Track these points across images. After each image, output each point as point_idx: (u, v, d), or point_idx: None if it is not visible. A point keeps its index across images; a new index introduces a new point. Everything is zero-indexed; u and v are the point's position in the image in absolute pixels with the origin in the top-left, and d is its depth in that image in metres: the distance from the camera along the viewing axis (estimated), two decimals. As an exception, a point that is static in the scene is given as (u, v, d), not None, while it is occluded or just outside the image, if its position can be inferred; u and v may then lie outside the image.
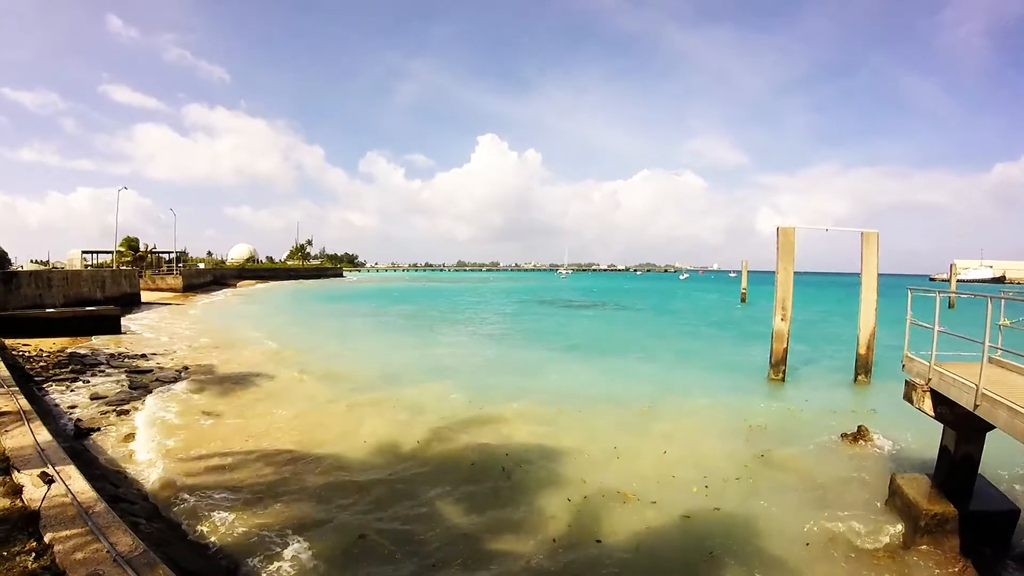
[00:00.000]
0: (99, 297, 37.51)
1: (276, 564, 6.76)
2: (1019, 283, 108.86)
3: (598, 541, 7.68)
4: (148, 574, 4.36)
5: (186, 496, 8.57)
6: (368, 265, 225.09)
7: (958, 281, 65.94)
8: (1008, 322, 7.57)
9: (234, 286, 77.13)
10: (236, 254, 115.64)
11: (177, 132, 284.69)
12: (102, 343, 23.60)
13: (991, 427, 6.66)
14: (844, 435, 12.17)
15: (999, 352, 8.03)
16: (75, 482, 6.20)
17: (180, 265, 73.49)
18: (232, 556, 6.88)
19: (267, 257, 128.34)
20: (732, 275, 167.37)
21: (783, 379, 18.53)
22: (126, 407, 13.41)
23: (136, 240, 75.08)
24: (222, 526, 7.62)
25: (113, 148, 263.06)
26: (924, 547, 7.28)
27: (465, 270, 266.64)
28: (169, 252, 75.36)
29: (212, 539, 7.30)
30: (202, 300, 52.08)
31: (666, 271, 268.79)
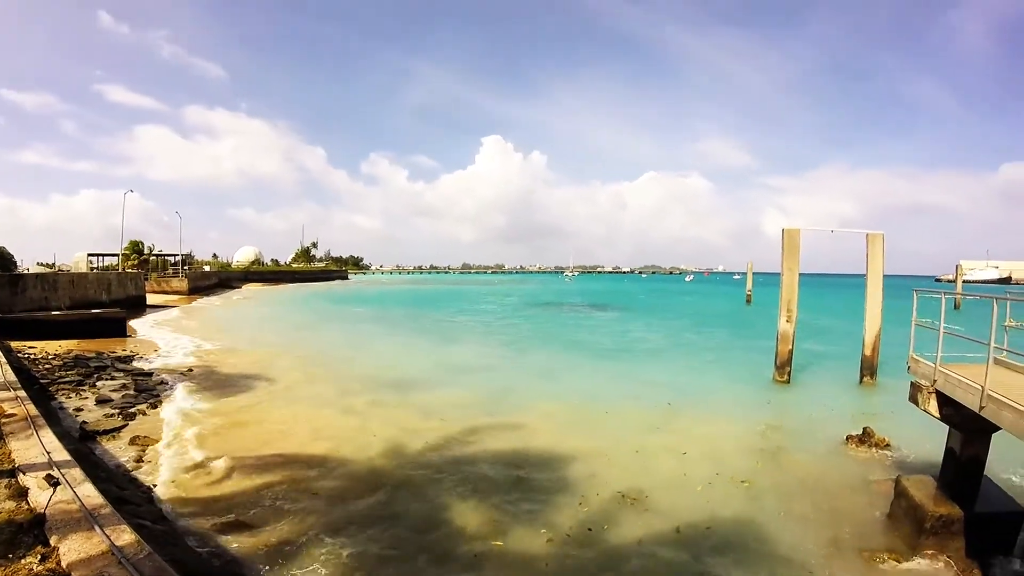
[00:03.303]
0: (105, 300, 37.65)
1: (284, 570, 6.67)
2: None
3: (610, 543, 7.69)
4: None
5: (192, 499, 8.55)
6: (373, 268, 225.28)
7: (964, 282, 65.52)
8: (1014, 323, 7.54)
9: (240, 289, 77.37)
10: (241, 256, 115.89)
11: (178, 133, 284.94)
12: (108, 346, 23.65)
13: (997, 428, 6.61)
14: (849, 437, 12.12)
15: (1004, 353, 7.99)
16: (81, 485, 6.19)
17: (186, 268, 73.79)
18: (238, 560, 6.83)
19: (272, 259, 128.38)
20: (737, 277, 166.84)
21: (788, 381, 18.47)
22: (132, 410, 13.42)
23: (141, 243, 75.50)
24: (228, 529, 7.58)
25: (115, 150, 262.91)
26: (930, 549, 7.23)
27: (470, 272, 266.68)
28: (175, 255, 75.73)
29: (218, 542, 7.23)
30: (208, 303, 52.16)
31: (671, 273, 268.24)
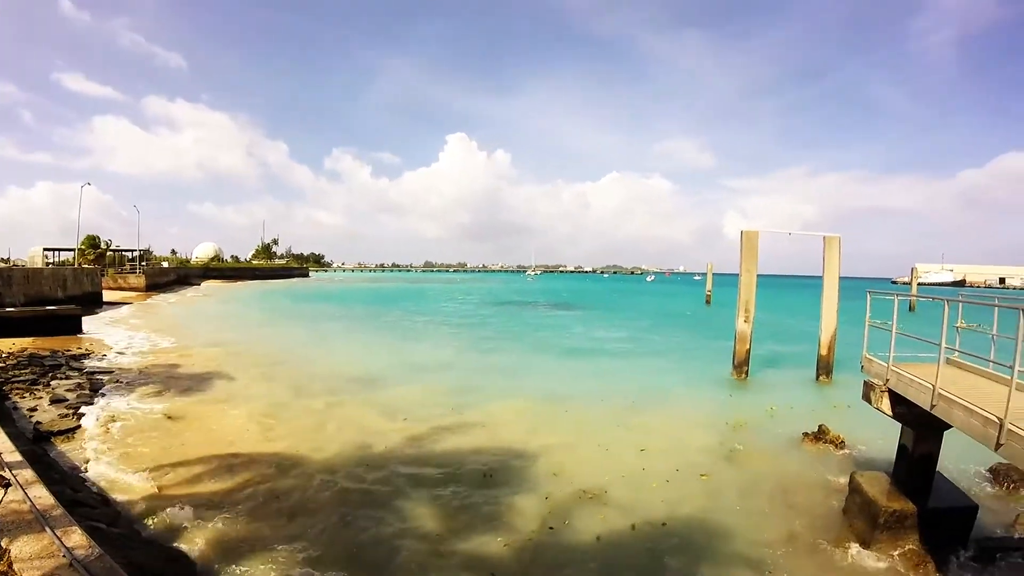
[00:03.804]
0: (60, 296, 36.37)
1: (236, 569, 6.61)
2: (979, 287, 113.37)
3: (570, 541, 7.73)
4: None
5: (147, 500, 8.41)
6: (335, 265, 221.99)
7: (919, 284, 68.06)
8: (965, 324, 7.78)
9: (198, 286, 75.45)
10: (201, 253, 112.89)
11: (137, 125, 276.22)
12: (63, 344, 22.78)
13: (948, 426, 6.82)
14: (805, 434, 12.41)
15: (956, 354, 8.27)
16: (33, 487, 6.06)
17: (144, 264, 71.42)
18: (193, 560, 6.77)
19: (232, 256, 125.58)
20: (697, 277, 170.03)
21: (746, 379, 18.88)
22: (87, 410, 13.17)
23: (97, 238, 72.98)
24: (184, 530, 7.49)
25: (73, 141, 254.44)
26: (884, 543, 7.43)
27: (433, 270, 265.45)
28: (132, 250, 73.30)
29: (174, 543, 7.15)
30: (166, 300, 50.67)
31: (633, 273, 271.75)
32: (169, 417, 12.94)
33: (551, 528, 8.05)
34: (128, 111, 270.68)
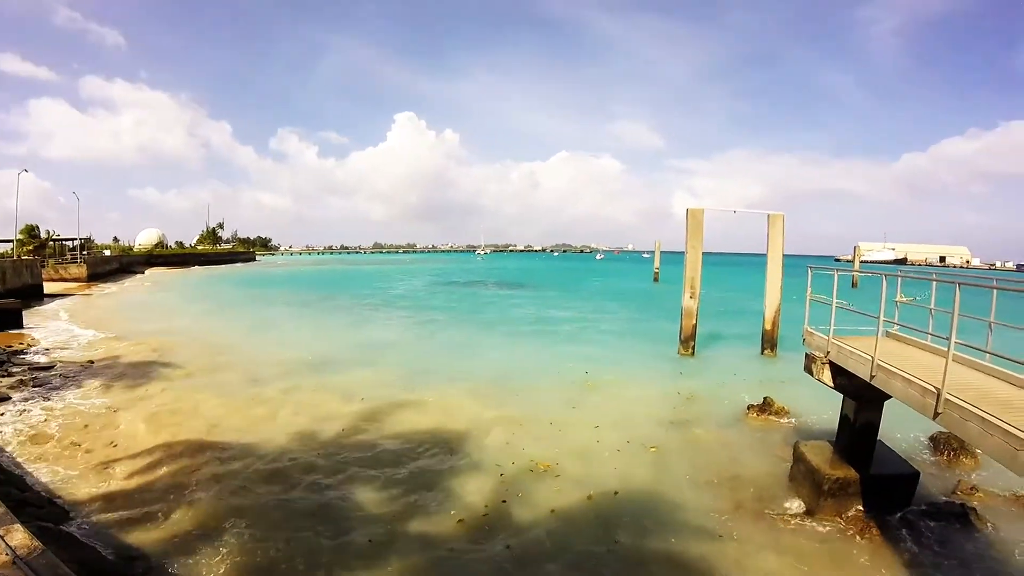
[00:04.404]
0: (-1, 290, 34.01)
1: (188, 560, 6.54)
2: (920, 265, 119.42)
3: (524, 514, 7.90)
4: (48, 575, 4.35)
5: (95, 496, 8.20)
6: (282, 248, 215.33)
7: (862, 262, 70.87)
8: (904, 298, 8.07)
9: (143, 274, 72.11)
10: (144, 239, 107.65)
11: (75, 107, 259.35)
12: (4, 340, 21.33)
13: (888, 396, 7.07)
14: (751, 406, 12.80)
15: (895, 327, 8.59)
16: None
17: (85, 253, 67.56)
18: (140, 554, 6.66)
19: (176, 242, 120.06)
20: (646, 255, 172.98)
21: (693, 353, 19.34)
22: (30, 406, 12.56)
23: (37, 227, 68.35)
24: (131, 524, 7.35)
25: (7, 126, 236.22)
26: (828, 510, 7.75)
27: (382, 252, 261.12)
28: (73, 239, 69.16)
29: (120, 538, 7.01)
30: (109, 289, 48.05)
31: (582, 252, 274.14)
32: (116, 410, 12.46)
33: (504, 501, 8.22)
34: (65, 92, 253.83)
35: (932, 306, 7.38)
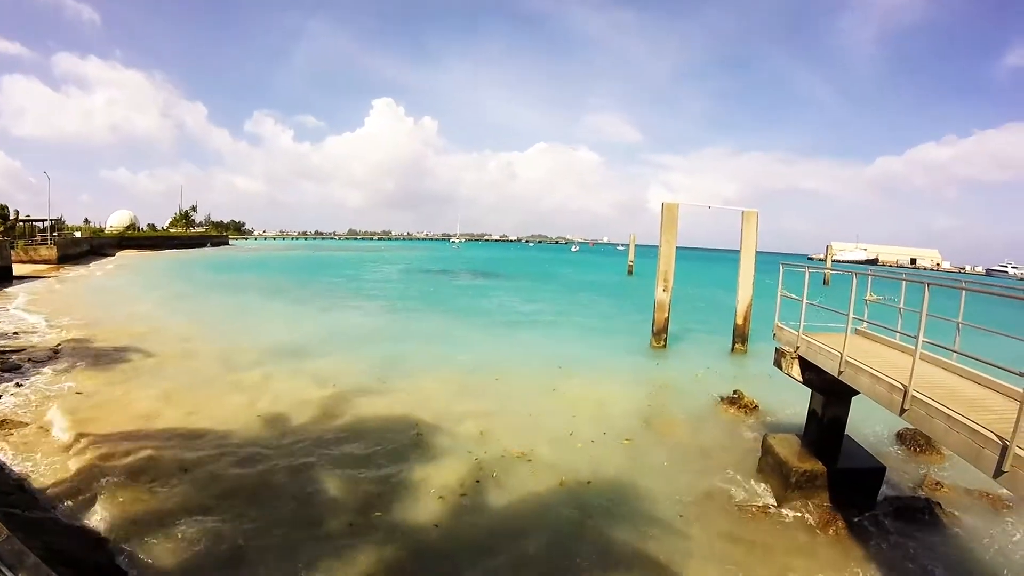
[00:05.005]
0: (-33, 273, 32.74)
1: (160, 546, 6.49)
2: (892, 266, 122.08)
3: (499, 500, 8.03)
4: (13, 561, 4.09)
5: (64, 483, 8.06)
6: (256, 233, 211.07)
7: (834, 261, 72.20)
8: (874, 297, 8.23)
9: (113, 256, 70.19)
10: (115, 221, 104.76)
11: (47, 84, 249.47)
12: None
13: (856, 392, 7.22)
14: (721, 399, 13.01)
15: (865, 324, 8.76)
16: None
17: (55, 234, 65.55)
18: (112, 541, 6.60)
19: (149, 225, 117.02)
20: (621, 248, 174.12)
21: (665, 346, 19.54)
22: None
23: (6, 207, 66.03)
24: (103, 511, 7.26)
25: None
26: (796, 502, 7.93)
27: (357, 238, 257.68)
28: (43, 220, 67.04)
29: (91, 525, 6.94)
30: (79, 272, 46.59)
31: (557, 243, 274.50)
32: (86, 395, 12.16)
33: (477, 481, 8.43)
34: (37, 69, 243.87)
35: (901, 305, 7.54)
